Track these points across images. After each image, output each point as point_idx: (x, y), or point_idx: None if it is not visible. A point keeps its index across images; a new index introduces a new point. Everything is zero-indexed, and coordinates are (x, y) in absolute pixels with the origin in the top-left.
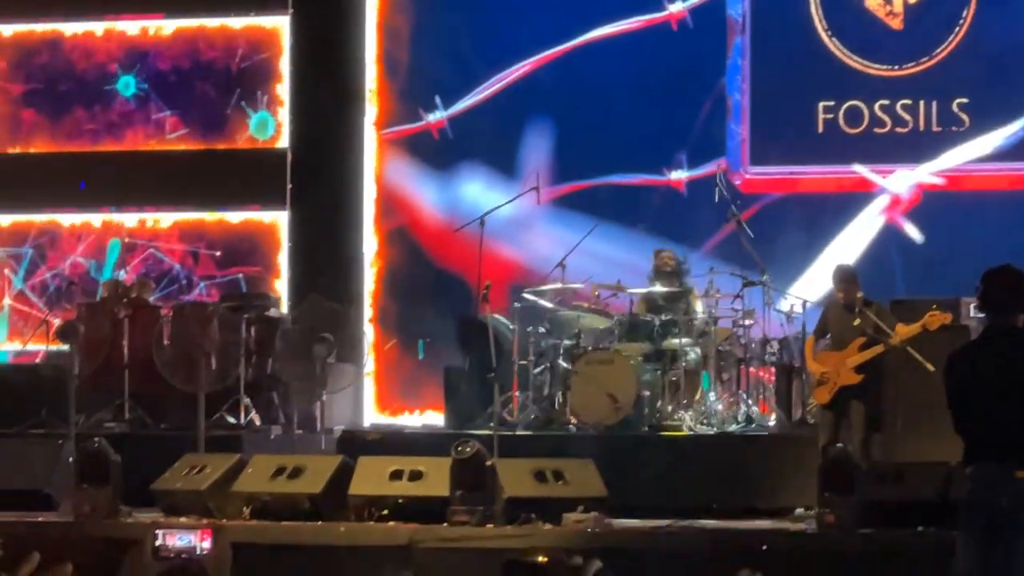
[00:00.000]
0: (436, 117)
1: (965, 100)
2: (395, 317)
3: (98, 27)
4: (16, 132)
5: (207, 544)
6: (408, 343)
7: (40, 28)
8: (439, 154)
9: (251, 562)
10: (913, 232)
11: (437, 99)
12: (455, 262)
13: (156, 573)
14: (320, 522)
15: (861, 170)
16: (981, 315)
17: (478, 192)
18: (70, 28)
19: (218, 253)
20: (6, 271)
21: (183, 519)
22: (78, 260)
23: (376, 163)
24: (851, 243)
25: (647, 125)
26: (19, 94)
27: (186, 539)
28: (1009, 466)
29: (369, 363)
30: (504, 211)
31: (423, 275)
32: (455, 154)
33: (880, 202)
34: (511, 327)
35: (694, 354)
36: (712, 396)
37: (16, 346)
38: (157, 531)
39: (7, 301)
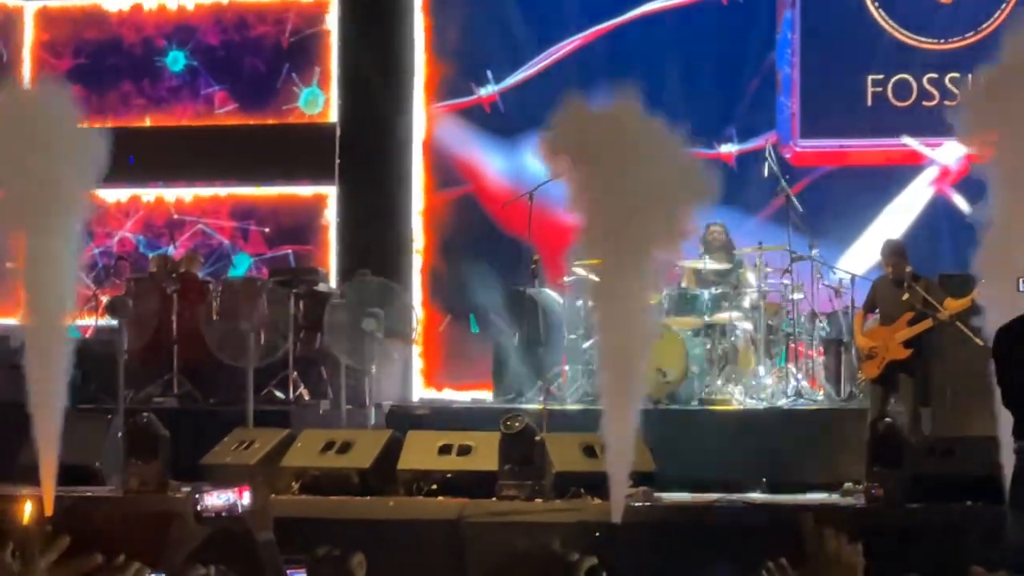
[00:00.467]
0: (488, 91)
1: None
2: (445, 291)
3: (146, 1)
4: None
5: (246, 500)
6: (458, 317)
7: (86, 2)
8: (491, 126)
9: (299, 538)
10: (962, 203)
11: (489, 73)
12: (506, 235)
13: (202, 536)
14: (369, 497)
15: (910, 142)
16: None
17: (530, 163)
18: (117, 3)
19: (267, 230)
20: None
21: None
22: (126, 236)
23: (426, 136)
24: (900, 215)
25: (697, 99)
26: (65, 69)
27: (225, 497)
28: None
29: (418, 337)
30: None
31: (473, 248)
32: (508, 127)
33: (929, 174)
34: (560, 301)
35: (743, 328)
36: (761, 370)
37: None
38: (196, 495)
39: None
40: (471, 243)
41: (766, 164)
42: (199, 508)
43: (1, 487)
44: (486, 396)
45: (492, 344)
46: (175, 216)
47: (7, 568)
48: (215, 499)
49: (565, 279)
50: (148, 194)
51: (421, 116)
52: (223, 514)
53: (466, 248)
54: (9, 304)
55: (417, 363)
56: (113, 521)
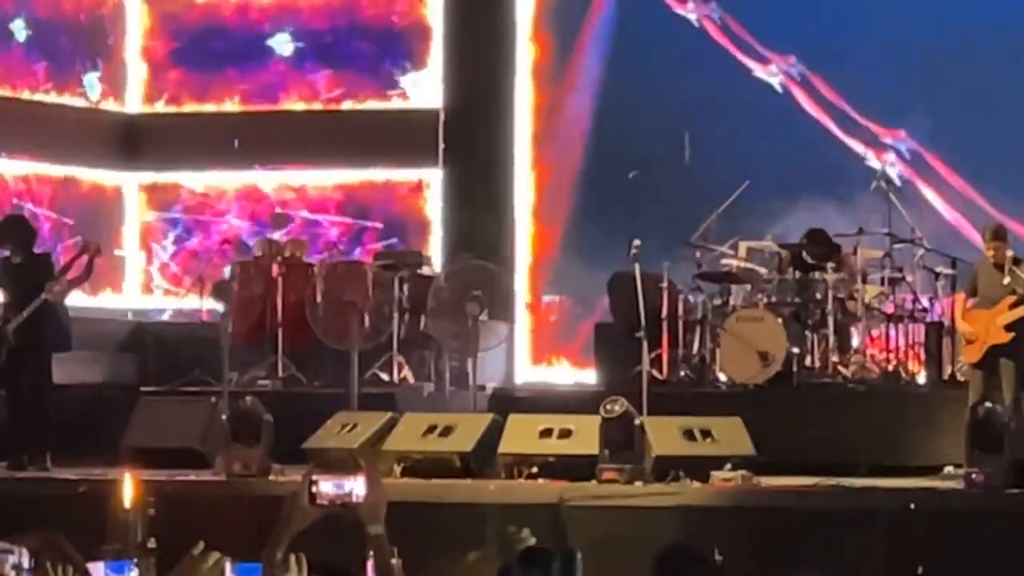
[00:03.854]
0: None
1: None
2: (550, 274)
3: None
4: (162, 91)
5: (361, 490)
6: (563, 299)
7: None
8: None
9: (401, 521)
10: None
11: None
12: (610, 217)
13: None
14: (470, 480)
15: None
16: None
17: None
18: None
19: (380, 225)
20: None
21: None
22: (230, 222)
23: (532, 122)
24: None
25: None
26: (166, 53)
27: (340, 485)
28: None
29: (522, 320)
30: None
31: (578, 230)
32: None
33: None
34: (661, 284)
35: (843, 312)
36: (862, 354)
37: (172, 303)
38: (314, 476)
39: (156, 268)
40: (575, 226)
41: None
42: (313, 491)
43: (106, 470)
44: (590, 377)
45: (594, 327)
46: (279, 210)
47: None
48: (330, 485)
49: (666, 263)
50: (253, 179)
51: (527, 98)
52: (337, 502)
53: (571, 230)
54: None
55: (521, 345)
56: (215, 505)
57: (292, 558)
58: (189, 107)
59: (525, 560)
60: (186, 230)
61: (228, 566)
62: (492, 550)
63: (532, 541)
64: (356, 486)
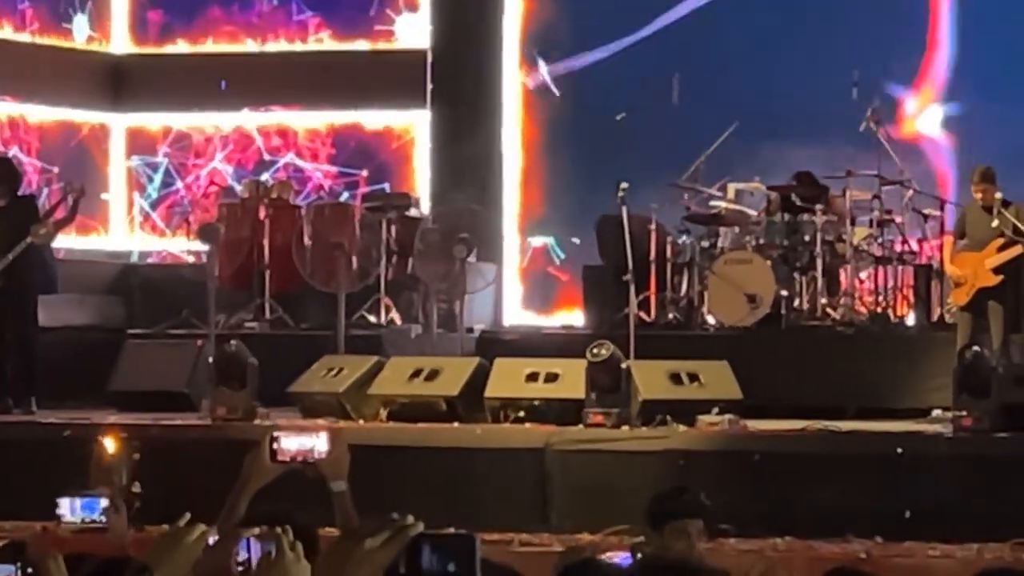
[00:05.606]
0: None
1: None
2: (538, 215)
3: None
4: (149, 32)
5: (324, 446)
6: (551, 241)
7: None
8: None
9: (386, 465)
10: None
11: None
12: (599, 158)
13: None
14: (456, 424)
15: None
16: None
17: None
18: None
19: (365, 172)
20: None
21: (320, 420)
22: (216, 167)
23: (520, 63)
24: None
25: None
26: None
27: (301, 441)
28: None
29: (511, 262)
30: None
31: (566, 173)
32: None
33: None
34: (649, 227)
35: (831, 254)
36: (851, 296)
37: (159, 245)
38: (275, 433)
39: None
40: (564, 167)
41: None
42: (274, 448)
43: (92, 414)
44: (577, 319)
45: (582, 269)
46: (266, 158)
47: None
48: (291, 441)
49: (654, 205)
50: (238, 121)
51: (515, 40)
52: (298, 458)
53: (559, 173)
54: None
55: (510, 286)
56: (200, 449)
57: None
58: (176, 48)
59: (417, 548)
60: (173, 172)
61: (212, 540)
62: (383, 538)
63: (421, 527)
64: (318, 442)
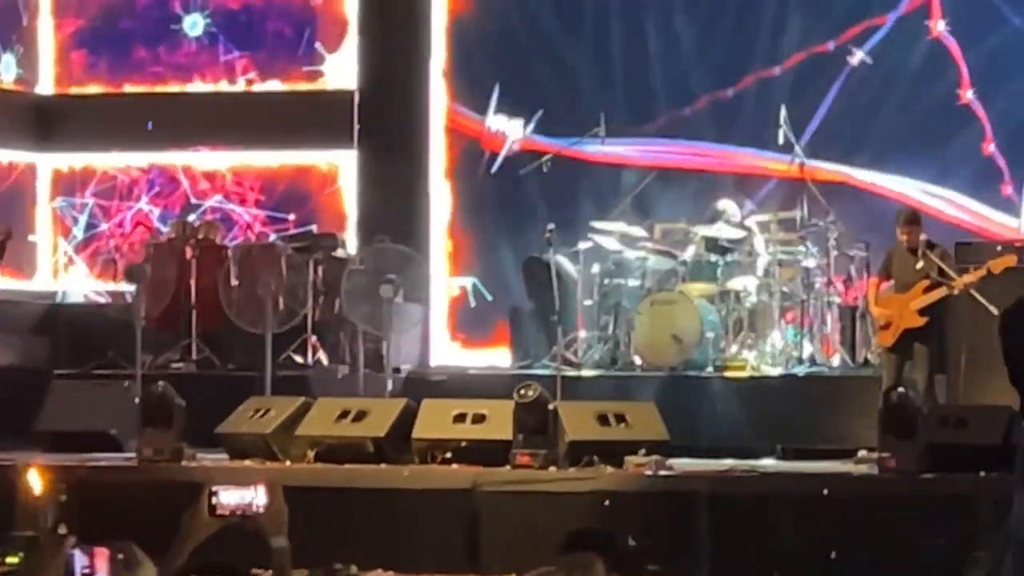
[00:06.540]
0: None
1: None
2: (464, 256)
3: None
4: (74, 73)
5: (262, 500)
6: (478, 282)
7: None
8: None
9: (314, 506)
10: None
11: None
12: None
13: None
14: (383, 465)
15: None
16: None
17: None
18: None
19: (292, 216)
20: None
21: (247, 462)
22: (142, 209)
23: (446, 102)
24: None
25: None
26: (78, 34)
27: (241, 495)
28: None
29: (437, 303)
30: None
31: (493, 213)
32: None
33: None
34: (576, 267)
35: (758, 295)
36: (776, 337)
37: (86, 286)
38: (214, 487)
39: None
40: (490, 209)
41: (780, 130)
42: (213, 503)
43: (18, 454)
44: (505, 359)
45: (508, 310)
46: (193, 201)
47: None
48: (230, 496)
49: (581, 246)
50: (164, 162)
51: (440, 81)
52: (237, 512)
53: (485, 214)
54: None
55: (437, 327)
56: (126, 490)
57: None
58: (102, 89)
59: None
60: (98, 214)
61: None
62: None
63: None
64: (256, 496)
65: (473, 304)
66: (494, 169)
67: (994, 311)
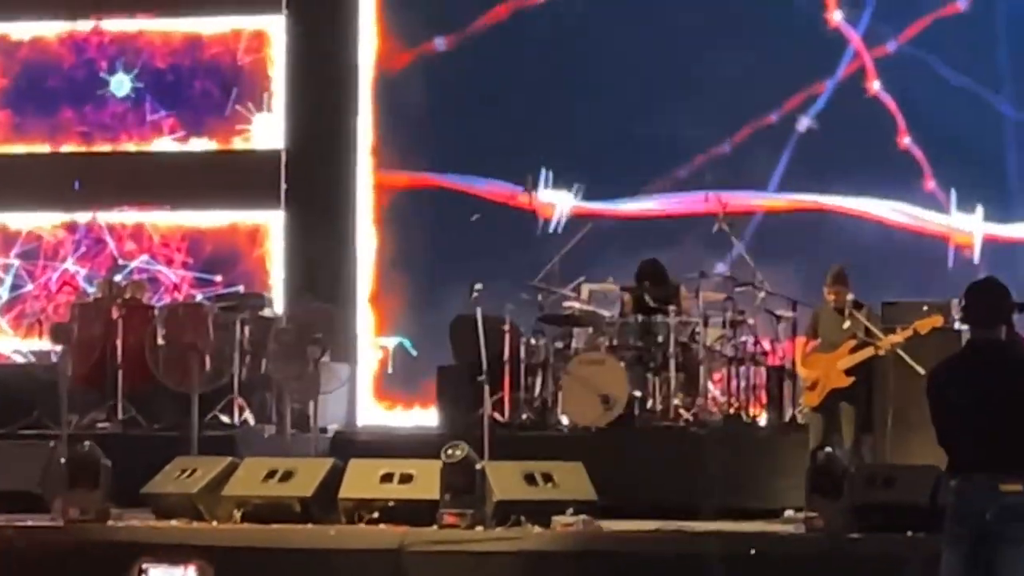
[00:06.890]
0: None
1: None
2: (391, 315)
3: (87, 25)
4: None
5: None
6: (404, 341)
7: (25, 24)
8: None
9: (240, 566)
10: None
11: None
12: (455, 258)
13: None
14: (310, 525)
15: None
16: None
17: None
18: (57, 25)
19: (219, 277)
20: None
21: (173, 521)
22: (68, 269)
23: (372, 161)
24: None
25: None
26: (2, 92)
27: (171, 573)
28: (993, 479)
29: (364, 362)
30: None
31: (421, 272)
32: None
33: None
34: (504, 327)
35: (685, 354)
36: (704, 397)
37: (10, 345)
38: (144, 564)
39: None
40: (417, 267)
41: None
42: None
43: None
44: (432, 419)
45: (436, 369)
46: (120, 261)
47: None
48: (159, 573)
49: (509, 305)
50: (89, 221)
51: (368, 144)
52: None
53: (413, 272)
54: None
55: (363, 386)
56: (51, 550)
57: None
58: (27, 148)
59: None
60: (23, 273)
61: None
62: None
63: None
64: (185, 573)
65: (391, 371)
66: None
67: (921, 371)
